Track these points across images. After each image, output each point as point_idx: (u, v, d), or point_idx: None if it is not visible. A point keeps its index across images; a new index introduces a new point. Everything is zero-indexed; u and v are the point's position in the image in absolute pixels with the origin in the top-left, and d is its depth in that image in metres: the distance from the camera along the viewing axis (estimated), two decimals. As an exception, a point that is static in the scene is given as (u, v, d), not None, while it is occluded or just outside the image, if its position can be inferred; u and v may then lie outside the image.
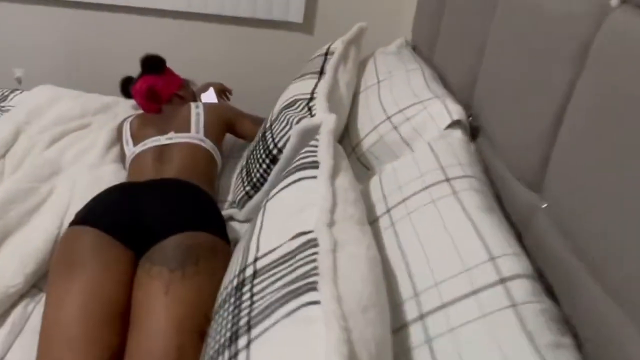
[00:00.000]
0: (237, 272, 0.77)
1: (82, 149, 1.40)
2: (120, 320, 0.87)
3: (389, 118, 1.07)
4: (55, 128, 1.46)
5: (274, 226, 0.77)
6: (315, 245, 0.66)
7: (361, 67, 1.42)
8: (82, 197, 1.18)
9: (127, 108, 1.70)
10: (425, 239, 0.71)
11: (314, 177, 0.79)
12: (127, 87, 1.60)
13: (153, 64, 1.50)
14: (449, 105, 0.98)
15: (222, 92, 1.83)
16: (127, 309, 0.89)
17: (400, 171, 0.88)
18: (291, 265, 0.66)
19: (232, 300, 0.72)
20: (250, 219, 1.27)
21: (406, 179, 0.84)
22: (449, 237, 0.69)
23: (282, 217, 0.77)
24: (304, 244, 0.68)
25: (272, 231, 0.76)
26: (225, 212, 1.28)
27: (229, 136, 1.55)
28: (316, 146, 0.86)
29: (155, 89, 1.48)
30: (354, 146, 1.15)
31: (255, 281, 0.70)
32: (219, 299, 0.79)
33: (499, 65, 0.90)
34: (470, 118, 1.01)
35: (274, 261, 0.70)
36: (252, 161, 1.23)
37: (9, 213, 1.07)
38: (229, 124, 1.49)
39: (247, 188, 1.23)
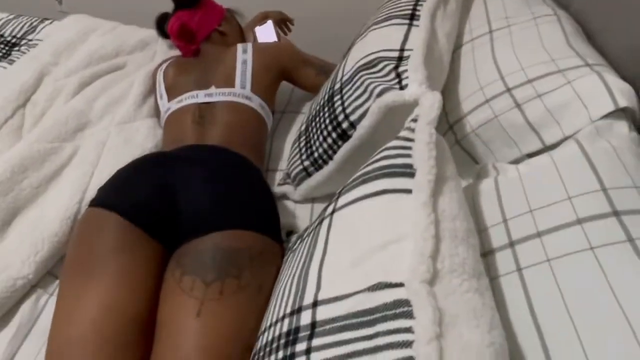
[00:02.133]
0: (288, 310, 0.60)
1: (113, 98, 1.24)
2: (142, 340, 0.73)
3: (509, 90, 0.81)
4: (85, 70, 1.30)
5: (345, 257, 0.57)
6: (409, 315, 0.46)
7: (464, 6, 1.12)
8: (110, 163, 1.05)
9: (167, 45, 1.51)
10: (580, 312, 0.49)
11: (407, 190, 0.57)
12: (163, 26, 1.39)
13: None
14: (610, 82, 0.70)
15: (283, 22, 1.57)
16: (152, 324, 0.75)
17: (532, 183, 0.63)
18: (370, 339, 0.47)
19: (280, 357, 0.55)
20: (307, 199, 1.09)
21: (542, 199, 0.60)
22: (624, 319, 0.46)
23: (356, 247, 0.57)
24: (390, 306, 0.49)
25: (342, 264, 0.57)
26: (277, 190, 1.11)
27: (285, 85, 1.33)
28: (409, 140, 0.63)
29: (189, 27, 1.26)
30: (453, 123, 0.90)
31: (314, 343, 0.52)
32: (260, 342, 0.63)
33: None
34: (639, 99, 0.72)
35: (343, 318, 0.52)
36: (314, 130, 1.01)
37: (21, 183, 0.94)
38: (286, 73, 1.26)
39: (306, 163, 1.03)
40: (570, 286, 0.51)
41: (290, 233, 0.98)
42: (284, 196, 1.11)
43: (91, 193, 0.97)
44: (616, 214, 0.54)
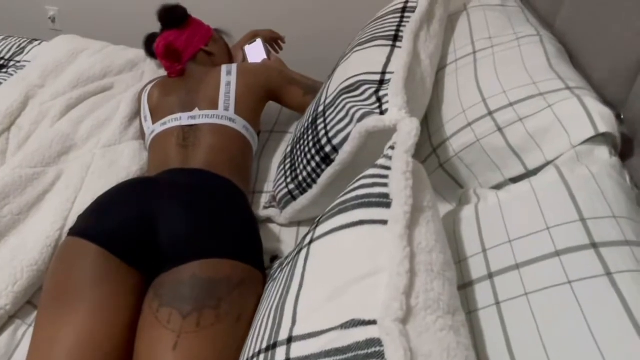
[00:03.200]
0: (264, 346, 0.59)
1: (99, 120, 1.24)
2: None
3: (490, 113, 0.80)
4: (72, 92, 1.30)
5: (320, 291, 0.56)
6: (380, 356, 0.45)
7: (449, 26, 1.12)
8: (94, 187, 1.04)
9: (156, 65, 1.51)
10: (556, 348, 0.48)
11: (383, 221, 0.56)
12: (151, 46, 1.39)
13: (171, 17, 1.27)
14: (590, 106, 0.70)
15: (273, 40, 1.58)
16: (130, 356, 0.74)
17: (512, 212, 0.63)
18: (341, 380, 0.46)
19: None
20: (292, 223, 1.08)
21: (521, 229, 0.59)
22: (599, 356, 0.44)
23: (332, 280, 0.56)
24: (363, 345, 0.48)
25: (317, 298, 0.56)
26: (263, 213, 1.09)
27: (273, 104, 1.32)
28: (386, 168, 0.62)
29: (175, 46, 1.25)
30: (436, 147, 0.89)
31: (287, 383, 0.51)
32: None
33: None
34: (620, 122, 0.71)
35: (316, 356, 0.51)
36: (299, 153, 1.01)
37: (1, 210, 0.93)
38: (272, 93, 1.25)
39: (291, 186, 1.02)
40: (547, 321, 0.50)
41: (274, 258, 0.96)
42: (269, 220, 1.10)
43: (72, 219, 0.96)
44: (594, 245, 0.53)
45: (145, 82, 1.40)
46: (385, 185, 0.60)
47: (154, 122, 1.15)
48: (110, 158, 1.12)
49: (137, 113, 1.28)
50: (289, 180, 1.03)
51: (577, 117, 0.69)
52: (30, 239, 0.91)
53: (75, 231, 0.84)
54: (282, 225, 1.08)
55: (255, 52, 1.48)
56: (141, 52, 1.56)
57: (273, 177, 1.20)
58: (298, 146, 1.02)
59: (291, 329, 0.55)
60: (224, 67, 1.19)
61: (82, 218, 0.87)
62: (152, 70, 1.48)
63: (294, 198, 1.01)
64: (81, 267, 0.78)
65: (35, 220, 0.96)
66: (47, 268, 0.89)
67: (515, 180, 0.77)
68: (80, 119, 1.23)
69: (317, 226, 0.66)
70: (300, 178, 0.98)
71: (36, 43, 1.60)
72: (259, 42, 1.49)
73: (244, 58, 1.49)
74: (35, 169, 1.03)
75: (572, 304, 0.49)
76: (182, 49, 1.27)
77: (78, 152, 1.13)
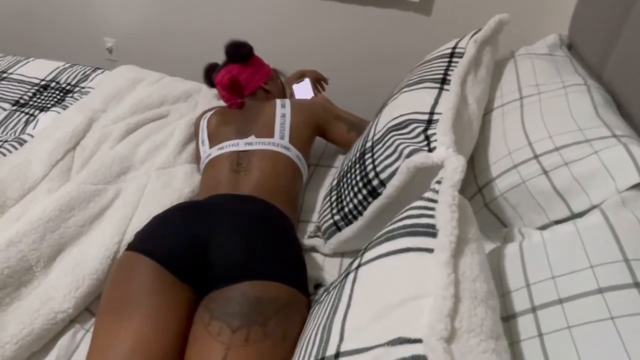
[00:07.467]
0: (311, 361, 0.64)
1: (155, 144, 1.35)
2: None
3: (536, 157, 0.85)
4: (131, 118, 1.43)
5: (367, 310, 0.62)
6: (426, 372, 0.50)
7: (496, 72, 1.19)
8: (149, 207, 1.14)
9: (209, 97, 1.64)
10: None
11: (429, 250, 0.62)
12: (211, 75, 1.53)
13: (238, 52, 1.41)
14: (636, 153, 0.74)
15: (317, 80, 1.70)
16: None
17: (556, 250, 0.67)
18: (388, 394, 0.51)
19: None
20: (336, 253, 1.14)
21: (564, 267, 0.64)
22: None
23: (379, 301, 0.61)
24: (408, 361, 0.52)
25: (364, 318, 0.61)
26: (307, 242, 1.16)
27: (319, 140, 1.42)
28: (433, 201, 0.68)
29: (238, 80, 1.39)
30: (482, 186, 0.95)
31: (335, 396, 0.56)
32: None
33: None
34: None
35: (363, 372, 0.55)
36: (345, 186, 1.08)
37: (67, 222, 1.04)
38: (320, 128, 1.36)
39: (336, 218, 1.09)
40: (589, 354, 0.54)
41: (318, 286, 1.02)
42: (314, 249, 1.16)
43: (130, 235, 1.06)
44: (637, 285, 0.57)
45: (198, 112, 1.53)
46: (432, 216, 0.66)
47: (211, 146, 1.26)
48: (164, 180, 1.22)
49: (190, 139, 1.40)
50: (334, 211, 1.10)
51: (623, 163, 0.74)
52: (92, 250, 1.01)
53: (133, 247, 0.93)
54: (325, 255, 1.14)
55: (303, 90, 1.61)
56: (195, 84, 1.70)
57: (317, 208, 1.27)
58: (345, 179, 1.09)
59: (339, 345, 0.61)
60: (278, 101, 1.30)
61: (139, 235, 0.96)
62: (205, 101, 1.61)
63: (339, 229, 1.08)
64: (138, 279, 0.86)
65: (96, 233, 1.06)
66: (105, 278, 0.98)
67: (559, 222, 0.81)
68: (138, 142, 1.35)
69: (364, 252, 0.72)
70: (346, 210, 1.05)
71: (99, 71, 1.77)
72: (307, 81, 1.62)
73: (291, 94, 1.61)
74: (97, 186, 1.15)
75: (614, 338, 0.53)
76: (244, 83, 1.40)
77: (135, 173, 1.24)
